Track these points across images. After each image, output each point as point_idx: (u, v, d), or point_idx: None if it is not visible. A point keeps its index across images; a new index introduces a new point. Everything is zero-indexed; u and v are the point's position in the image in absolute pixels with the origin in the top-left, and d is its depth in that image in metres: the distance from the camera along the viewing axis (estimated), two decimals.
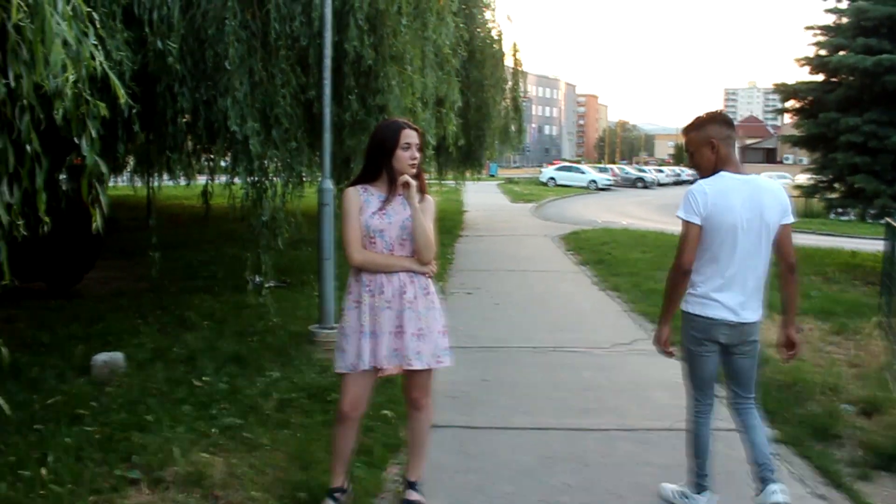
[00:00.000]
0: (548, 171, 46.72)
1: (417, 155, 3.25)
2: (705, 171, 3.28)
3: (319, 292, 6.63)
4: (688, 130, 3.32)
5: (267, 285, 7.35)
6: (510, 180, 48.66)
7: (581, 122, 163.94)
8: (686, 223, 3.21)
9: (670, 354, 3.39)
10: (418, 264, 3.26)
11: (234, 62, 6.20)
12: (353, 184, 3.34)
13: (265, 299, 7.22)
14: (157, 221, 6.92)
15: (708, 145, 3.26)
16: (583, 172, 45.24)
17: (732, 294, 3.23)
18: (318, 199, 6.50)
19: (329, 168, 6.55)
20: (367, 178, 3.34)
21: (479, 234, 16.77)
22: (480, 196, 31.62)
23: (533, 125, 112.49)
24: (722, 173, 3.23)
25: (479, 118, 16.69)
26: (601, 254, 12.74)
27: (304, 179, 8.54)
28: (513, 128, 18.91)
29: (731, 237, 3.19)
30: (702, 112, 3.33)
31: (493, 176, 57.34)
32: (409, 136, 3.23)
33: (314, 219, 6.72)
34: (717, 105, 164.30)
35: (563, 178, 44.89)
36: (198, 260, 10.81)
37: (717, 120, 3.28)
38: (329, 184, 6.53)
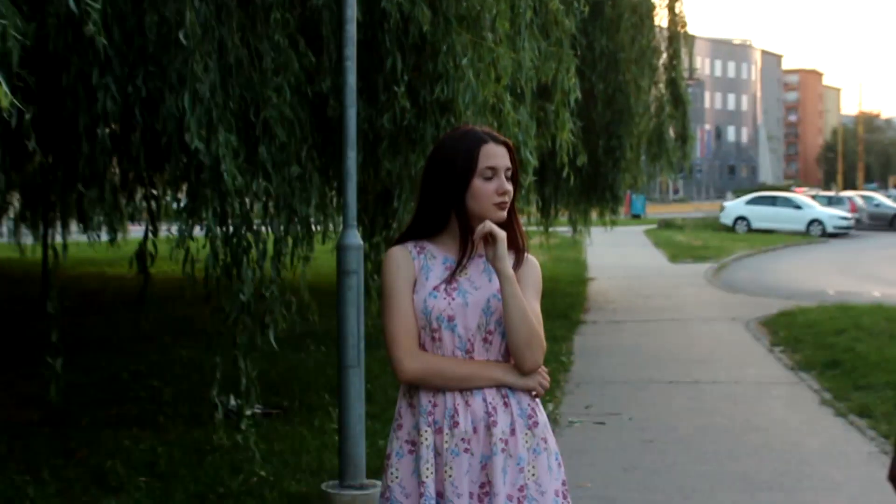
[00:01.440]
0: (734, 207, 46.47)
1: (508, 187, 3.30)
2: None
3: (340, 425, 6.68)
4: None
5: (249, 413, 7.46)
6: (667, 223, 48.50)
7: (791, 117, 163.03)
8: None
9: None
10: (516, 375, 3.27)
11: (193, 33, 6.39)
12: (402, 239, 3.38)
13: (245, 438, 7.31)
14: (58, 305, 6.93)
15: None
16: (797, 207, 44.88)
17: None
18: (336, 262, 6.62)
19: (355, 210, 6.67)
20: (423, 229, 3.39)
21: (615, 317, 16.71)
22: (616, 251, 31.52)
23: (706, 127, 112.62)
24: None
25: (612, 118, 16.84)
26: (835, 350, 12.53)
27: (315, 229, 8.73)
28: (671, 133, 18.98)
29: None
30: None
31: (637, 216, 57.36)
32: (494, 154, 3.28)
33: (330, 297, 6.83)
34: None
35: (763, 216, 44.54)
36: (129, 370, 11.07)
37: None
38: (355, 237, 6.64)
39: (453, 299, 3.27)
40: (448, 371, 3.26)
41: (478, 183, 3.27)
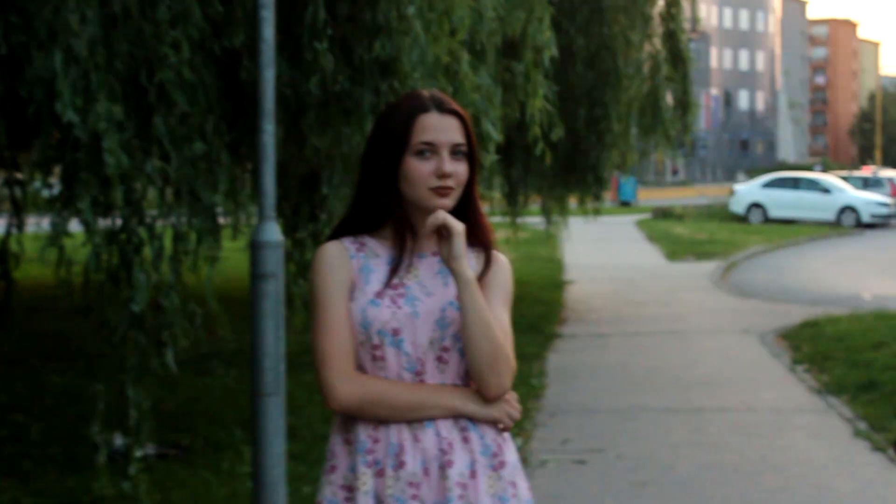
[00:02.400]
0: (747, 191, 46.71)
1: (449, 168, 3.31)
2: None
3: (254, 468, 6.68)
4: None
5: (139, 455, 7.44)
6: (664, 212, 48.65)
7: (819, 79, 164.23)
8: None
9: None
10: (478, 402, 3.30)
11: None
12: (337, 234, 3.40)
13: (134, 486, 7.29)
14: None
15: None
16: (826, 191, 45.13)
17: None
18: (250, 264, 6.62)
19: (273, 198, 6.68)
20: (362, 220, 3.41)
21: (599, 330, 16.77)
22: (600, 247, 31.58)
23: (713, 92, 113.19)
24: None
25: (596, 81, 16.90)
26: (872, 369, 12.61)
27: (223, 222, 8.71)
28: (669, 99, 19.06)
29: None
30: None
31: (626, 204, 57.51)
32: (434, 126, 3.29)
33: (243, 307, 6.83)
34: None
35: (783, 203, 44.83)
36: None
37: None
38: (274, 231, 6.65)
39: (399, 308, 3.28)
40: (392, 397, 3.27)
41: (410, 162, 3.28)
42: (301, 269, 9.21)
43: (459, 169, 3.30)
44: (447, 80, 8.32)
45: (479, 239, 3.38)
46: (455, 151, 3.30)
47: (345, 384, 3.25)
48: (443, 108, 3.31)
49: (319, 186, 8.60)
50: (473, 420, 3.29)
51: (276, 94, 6.67)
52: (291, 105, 8.18)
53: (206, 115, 7.39)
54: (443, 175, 3.26)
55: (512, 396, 3.33)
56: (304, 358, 9.77)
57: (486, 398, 3.28)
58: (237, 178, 9.27)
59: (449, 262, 3.25)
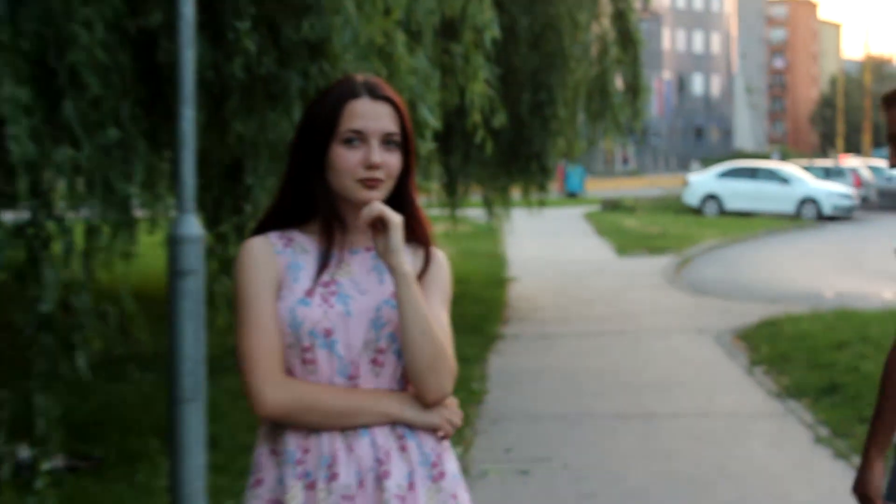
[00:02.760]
0: (702, 182, 46.99)
1: (378, 159, 3.30)
2: None
3: (172, 481, 6.66)
4: (895, 100, 3.95)
5: (48, 467, 7.39)
6: (614, 204, 48.89)
7: (777, 62, 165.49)
8: None
9: None
10: (416, 408, 3.30)
11: None
12: (264, 227, 3.41)
13: (41, 501, 7.24)
14: None
15: None
16: (785, 181, 45.50)
17: None
18: (168, 260, 6.60)
19: (193, 189, 6.66)
20: (290, 213, 3.41)
21: (544, 330, 16.86)
22: (546, 241, 31.72)
23: (665, 76, 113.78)
24: None
25: (540, 64, 16.93)
26: (834, 371, 12.71)
27: (139, 215, 8.67)
28: (618, 83, 19.15)
29: None
30: None
31: (573, 195, 57.71)
32: (364, 113, 3.30)
33: (162, 306, 6.80)
34: None
35: (740, 194, 45.16)
36: None
37: None
38: (194, 225, 6.63)
39: (331, 307, 3.28)
40: (324, 403, 3.26)
41: (337, 150, 3.28)
42: (224, 266, 9.17)
43: (391, 160, 3.30)
44: (381, 63, 8.31)
45: (415, 234, 3.39)
46: (387, 141, 3.30)
47: (273, 389, 3.25)
48: (375, 94, 3.32)
49: (243, 176, 8.57)
50: (412, 427, 3.30)
51: (196, 78, 6.65)
52: (213, 89, 8.16)
53: (120, 99, 7.36)
54: (371, 166, 3.26)
55: (452, 402, 3.34)
56: (227, 361, 9.75)
57: (425, 403, 3.30)
58: (155, 167, 9.21)
59: (385, 257, 3.26)
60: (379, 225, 3.26)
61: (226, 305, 9.12)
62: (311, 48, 7.80)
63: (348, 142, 3.27)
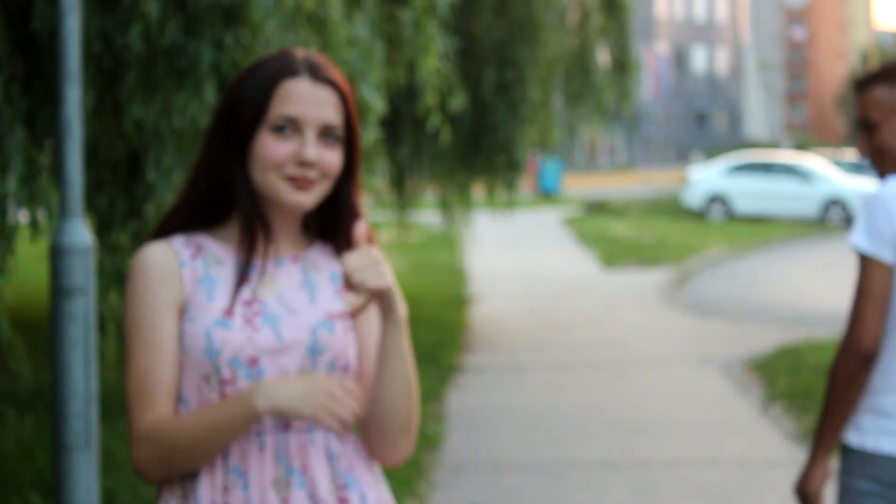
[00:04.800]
0: (707, 179, 47.12)
1: (312, 155, 3.26)
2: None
3: None
4: (867, 85, 4.88)
5: None
6: (599, 206, 49.06)
7: (797, 33, 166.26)
8: (866, 261, 4.68)
9: None
10: (284, 397, 3.16)
11: None
12: (165, 231, 3.40)
13: None
14: None
15: None
16: (807, 178, 45.67)
17: None
18: (51, 276, 6.58)
19: (80, 188, 6.65)
20: (199, 213, 3.38)
21: (515, 360, 16.89)
22: (516, 252, 31.79)
23: (660, 49, 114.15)
24: None
25: (507, 34, 16.96)
26: None
27: (17, 220, 8.64)
28: (602, 59, 19.20)
29: None
30: None
31: (549, 195, 57.80)
32: (301, 96, 3.30)
33: (43, 332, 6.79)
34: None
35: (752, 194, 45.34)
36: None
37: None
38: (81, 232, 6.62)
39: (256, 330, 3.28)
40: (183, 434, 3.20)
41: (264, 138, 3.27)
42: (119, 283, 9.14)
43: (329, 157, 3.30)
44: (311, 32, 8.32)
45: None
46: (326, 134, 3.30)
47: (137, 445, 3.24)
48: (317, 76, 3.32)
49: (143, 172, 8.55)
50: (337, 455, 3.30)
51: (82, 51, 6.63)
52: (104, 64, 8.13)
53: None
54: (303, 162, 3.26)
55: (337, 385, 3.19)
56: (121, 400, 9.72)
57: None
58: (35, 160, 9.15)
59: (386, 316, 3.28)
60: (356, 284, 3.22)
61: (118, 331, 9.10)
62: (225, 13, 7.79)
63: (279, 129, 3.27)
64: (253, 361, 3.25)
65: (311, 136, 3.27)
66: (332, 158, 3.30)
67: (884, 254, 4.61)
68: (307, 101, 3.29)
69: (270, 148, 3.26)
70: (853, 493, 4.80)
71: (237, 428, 3.21)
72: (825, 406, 4.78)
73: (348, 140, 3.35)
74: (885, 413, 4.74)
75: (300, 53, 3.37)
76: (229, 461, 3.26)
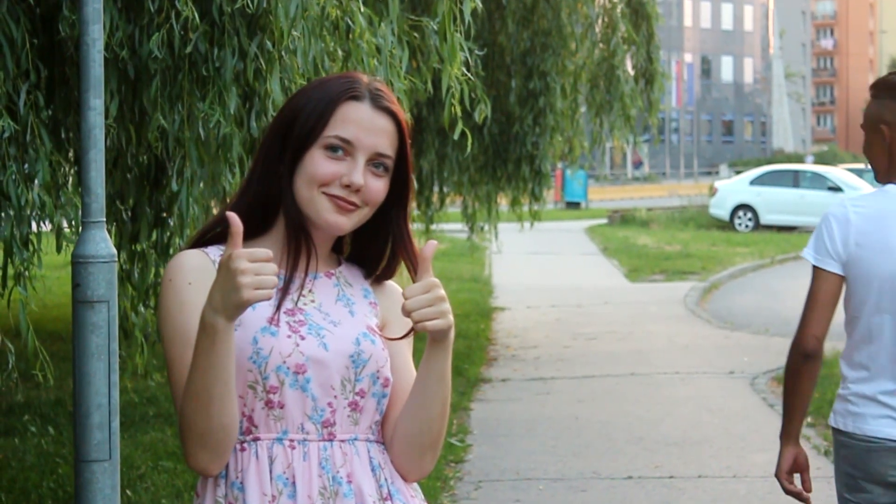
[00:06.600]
0: (733, 189, 46.97)
1: (359, 180, 3.27)
2: (877, 172, 5.36)
3: None
4: (871, 96, 5.24)
5: None
6: (624, 217, 48.95)
7: (825, 41, 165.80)
8: (814, 270, 5.34)
9: (801, 498, 5.51)
10: (228, 296, 3.10)
11: None
12: (204, 240, 3.43)
13: None
14: None
15: (878, 132, 5.26)
16: (836, 189, 45.39)
17: None
18: (72, 286, 6.58)
19: (103, 197, 6.65)
20: (243, 223, 3.32)
21: (539, 373, 16.86)
22: (540, 263, 31.78)
23: (687, 58, 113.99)
24: (889, 187, 5.25)
25: (532, 43, 16.93)
26: None
27: (42, 228, 8.64)
28: (629, 67, 19.16)
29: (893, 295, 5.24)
30: None
31: (575, 205, 57.74)
32: (360, 120, 3.33)
33: (67, 343, 6.79)
34: None
35: (780, 205, 45.10)
36: None
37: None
38: (104, 241, 6.62)
39: (303, 339, 3.31)
40: (188, 386, 3.20)
41: (314, 154, 3.29)
42: (143, 293, 9.13)
43: (374, 185, 3.33)
44: (334, 40, 8.31)
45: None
46: (376, 163, 3.33)
47: (183, 436, 3.26)
48: (378, 103, 3.36)
49: (166, 181, 8.54)
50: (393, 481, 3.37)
51: (105, 58, 6.63)
52: (128, 72, 8.13)
53: (16, 82, 7.33)
54: (349, 185, 3.29)
55: (244, 258, 3.10)
56: (146, 410, 9.71)
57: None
58: (59, 168, 9.13)
59: (437, 343, 3.33)
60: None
61: (145, 342, 9.09)
62: (250, 21, 7.78)
63: (332, 149, 3.30)
64: (300, 369, 3.28)
65: (361, 161, 3.30)
66: (378, 187, 3.33)
67: (828, 265, 5.33)
68: (364, 126, 3.32)
69: (320, 165, 3.29)
70: (840, 477, 5.41)
71: (207, 348, 3.14)
72: (784, 400, 5.56)
73: (401, 170, 3.38)
74: (849, 396, 5.49)
75: (365, 79, 3.42)
76: (274, 470, 3.27)
